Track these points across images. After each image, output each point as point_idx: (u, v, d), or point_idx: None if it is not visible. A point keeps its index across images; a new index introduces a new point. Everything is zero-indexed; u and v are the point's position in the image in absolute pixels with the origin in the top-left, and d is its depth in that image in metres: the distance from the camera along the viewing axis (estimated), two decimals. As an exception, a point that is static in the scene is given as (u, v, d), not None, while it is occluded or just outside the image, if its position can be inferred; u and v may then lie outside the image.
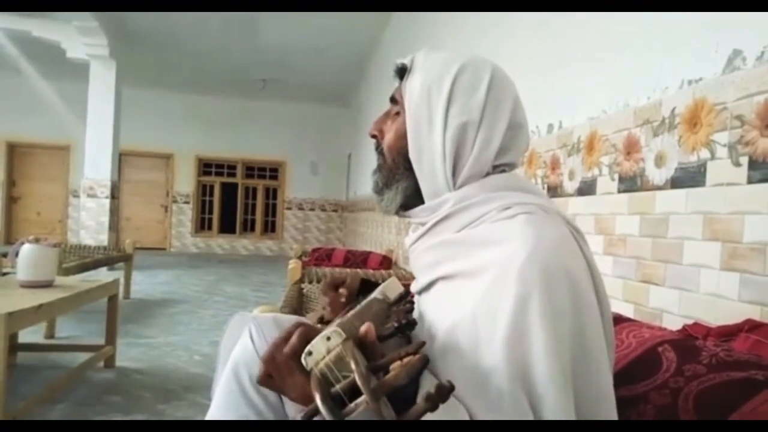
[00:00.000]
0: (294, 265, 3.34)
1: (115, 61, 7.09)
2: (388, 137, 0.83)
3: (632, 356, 1.08)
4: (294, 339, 0.58)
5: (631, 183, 1.67)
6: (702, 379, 0.93)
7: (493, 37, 3.06)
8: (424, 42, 4.81)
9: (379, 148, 0.85)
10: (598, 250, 1.82)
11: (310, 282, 3.29)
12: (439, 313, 0.72)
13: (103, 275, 4.38)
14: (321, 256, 5.00)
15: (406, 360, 0.48)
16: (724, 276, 1.27)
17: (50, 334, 3.52)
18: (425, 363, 0.48)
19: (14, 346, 2.87)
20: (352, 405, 0.47)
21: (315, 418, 0.49)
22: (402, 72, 0.83)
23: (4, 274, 3.42)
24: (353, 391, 0.48)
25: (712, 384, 0.91)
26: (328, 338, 0.52)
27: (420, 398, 0.45)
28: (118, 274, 4.32)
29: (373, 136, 0.86)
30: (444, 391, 0.45)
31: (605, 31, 1.91)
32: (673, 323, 1.37)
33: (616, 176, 1.76)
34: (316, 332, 0.56)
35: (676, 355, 1.02)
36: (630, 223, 1.65)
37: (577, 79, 2.10)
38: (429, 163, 0.77)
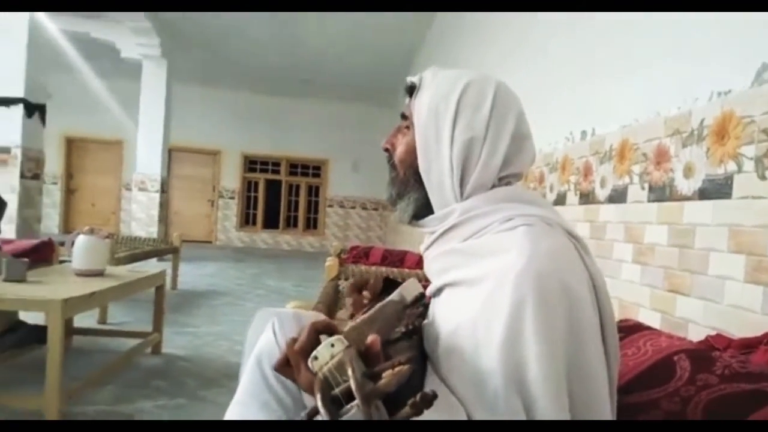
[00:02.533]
0: (331, 262, 3.44)
1: (166, 60, 7.40)
2: (399, 151, 0.88)
3: (647, 364, 1.10)
4: (302, 338, 0.65)
5: (660, 192, 1.68)
6: (712, 389, 0.95)
7: (532, 42, 3.07)
8: (467, 41, 4.83)
9: (391, 161, 0.90)
10: (627, 258, 1.83)
11: (347, 279, 3.38)
12: (445, 317, 0.77)
13: (152, 266, 4.59)
14: (359, 254, 5.07)
15: (396, 369, 0.54)
16: (748, 288, 1.27)
17: (103, 320, 3.73)
18: (410, 373, 0.54)
19: (70, 330, 3.06)
20: (347, 407, 0.53)
21: (315, 418, 0.56)
22: (411, 90, 0.88)
23: (62, 261, 3.65)
24: (350, 395, 0.54)
25: (721, 394, 0.93)
26: (332, 345, 0.59)
27: (407, 407, 0.52)
28: (166, 266, 4.52)
29: (386, 150, 0.91)
30: (427, 398, 0.51)
31: (639, 40, 1.92)
32: (698, 333, 1.38)
33: (647, 185, 1.76)
34: (329, 328, 0.63)
35: (691, 365, 1.04)
36: (659, 233, 1.66)
37: (611, 87, 2.11)
38: (437, 176, 0.82)
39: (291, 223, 11.61)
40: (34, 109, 4.35)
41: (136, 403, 2.37)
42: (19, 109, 4.21)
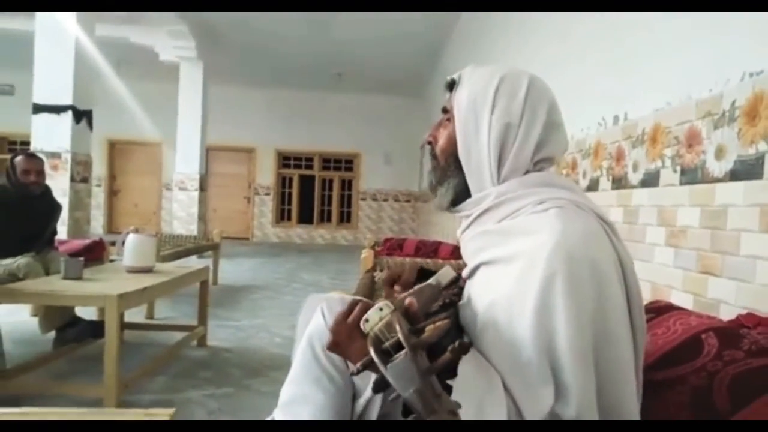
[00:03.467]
0: (366, 254, 3.53)
1: (202, 61, 7.60)
2: (441, 142, 0.95)
3: (676, 342, 1.14)
4: (355, 311, 0.73)
5: (692, 175, 1.69)
6: (738, 364, 0.98)
7: (561, 34, 3.06)
8: (496, 32, 4.82)
9: (432, 152, 0.97)
10: (659, 242, 1.84)
11: (382, 270, 3.46)
12: (480, 294, 0.83)
13: (193, 262, 4.78)
14: (393, 246, 5.15)
15: (437, 324, 0.64)
16: (780, 267, 1.29)
17: (150, 315, 3.91)
18: (449, 325, 0.63)
19: (121, 325, 3.22)
20: (396, 356, 0.62)
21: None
22: (451, 86, 0.94)
23: (111, 260, 3.84)
24: (398, 347, 0.63)
25: (747, 368, 0.96)
26: (381, 309, 0.68)
27: (447, 352, 0.60)
28: (207, 262, 4.68)
29: (429, 143, 0.98)
30: (464, 345, 0.59)
31: (670, 24, 1.91)
32: (730, 313, 1.39)
33: (678, 168, 1.77)
34: (371, 306, 0.71)
35: (718, 342, 1.07)
36: (691, 215, 1.67)
37: (643, 72, 2.11)
38: (476, 160, 0.89)
39: (325, 217, 11.77)
40: (82, 115, 4.57)
41: (185, 392, 2.50)
42: (68, 116, 4.43)
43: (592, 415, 0.73)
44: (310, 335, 0.95)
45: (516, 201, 0.84)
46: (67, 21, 4.48)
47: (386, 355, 0.62)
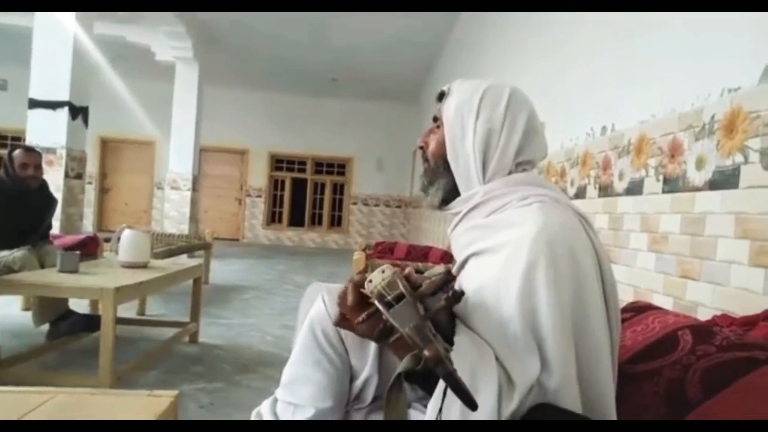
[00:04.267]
0: (358, 256, 3.59)
1: (198, 62, 7.63)
2: (432, 146, 1.04)
3: (654, 338, 1.21)
4: (357, 278, 0.81)
5: (674, 184, 1.77)
6: (710, 358, 1.05)
7: (551, 49, 3.15)
8: (487, 44, 4.92)
9: (424, 156, 1.07)
10: (642, 247, 1.92)
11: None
12: (470, 280, 0.91)
13: (183, 262, 4.80)
14: (384, 250, 5.21)
15: (433, 278, 0.74)
16: (752, 271, 1.36)
17: (141, 312, 3.93)
18: (445, 279, 0.74)
19: (114, 320, 3.26)
20: (398, 305, 0.70)
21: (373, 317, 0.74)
22: (441, 97, 1.04)
23: (104, 257, 3.86)
24: (399, 299, 0.71)
25: (718, 362, 1.03)
26: (383, 271, 0.76)
27: (442, 300, 0.70)
28: (198, 262, 4.71)
29: (421, 147, 1.08)
30: (457, 295, 0.70)
31: (656, 40, 2.00)
32: (706, 315, 1.47)
33: (661, 177, 1.85)
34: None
35: (693, 338, 1.14)
36: (672, 222, 1.76)
37: (630, 85, 2.20)
38: (463, 163, 0.98)
39: (316, 220, 11.81)
40: (78, 112, 4.59)
41: (178, 386, 2.53)
42: (64, 112, 4.45)
43: (573, 388, 0.81)
44: (311, 320, 1.02)
45: (501, 198, 0.93)
46: (66, 18, 4.51)
47: (388, 306, 0.70)
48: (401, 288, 0.71)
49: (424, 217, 8.51)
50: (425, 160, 1.06)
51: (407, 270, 0.79)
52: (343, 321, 0.83)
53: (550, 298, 0.80)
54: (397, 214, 11.77)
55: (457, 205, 1.00)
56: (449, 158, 1.00)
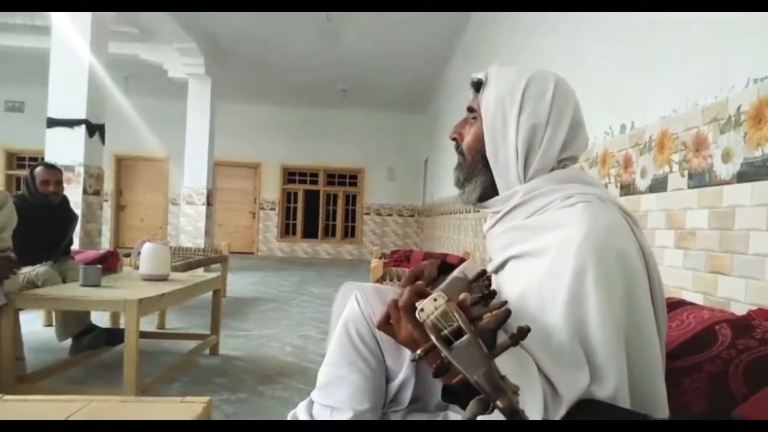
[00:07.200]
0: (376, 264, 3.57)
1: (210, 78, 7.71)
2: (468, 140, 0.98)
3: (691, 333, 1.18)
4: (406, 294, 0.74)
5: (700, 179, 1.74)
6: (752, 351, 1.02)
7: (565, 48, 3.14)
8: (498, 49, 4.92)
9: (459, 148, 1.01)
10: (669, 244, 1.89)
11: (391, 280, 3.50)
12: (510, 285, 0.87)
13: (200, 275, 4.80)
14: (400, 258, 5.19)
15: (494, 312, 0.65)
16: (788, 264, 1.33)
17: (161, 325, 3.95)
18: (508, 314, 0.65)
19: (137, 331, 3.27)
20: (458, 342, 0.63)
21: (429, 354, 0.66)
22: (478, 86, 0.98)
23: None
24: (457, 334, 0.64)
25: (761, 355, 1.01)
26: (435, 299, 0.69)
27: (506, 337, 0.62)
28: (215, 275, 4.73)
29: (453, 139, 1.02)
30: (522, 331, 0.62)
31: (674, 33, 1.98)
32: (740, 311, 1.44)
33: (686, 172, 1.83)
34: (424, 292, 0.74)
35: (731, 332, 1.11)
36: (699, 217, 1.73)
37: (649, 81, 2.18)
38: (504, 160, 0.92)
39: (329, 232, 11.83)
40: (95, 129, 4.65)
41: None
42: (81, 130, 4.51)
43: (625, 398, 0.75)
44: (345, 320, 0.99)
45: (544, 197, 0.88)
46: (82, 38, 4.59)
47: (446, 342, 0.64)
48: (458, 321, 0.65)
49: (438, 226, 8.48)
50: (460, 153, 1.00)
51: (462, 297, 0.71)
52: (385, 325, 0.77)
53: (601, 306, 0.75)
54: (410, 223, 11.75)
55: (495, 204, 0.95)
56: (488, 154, 0.94)
